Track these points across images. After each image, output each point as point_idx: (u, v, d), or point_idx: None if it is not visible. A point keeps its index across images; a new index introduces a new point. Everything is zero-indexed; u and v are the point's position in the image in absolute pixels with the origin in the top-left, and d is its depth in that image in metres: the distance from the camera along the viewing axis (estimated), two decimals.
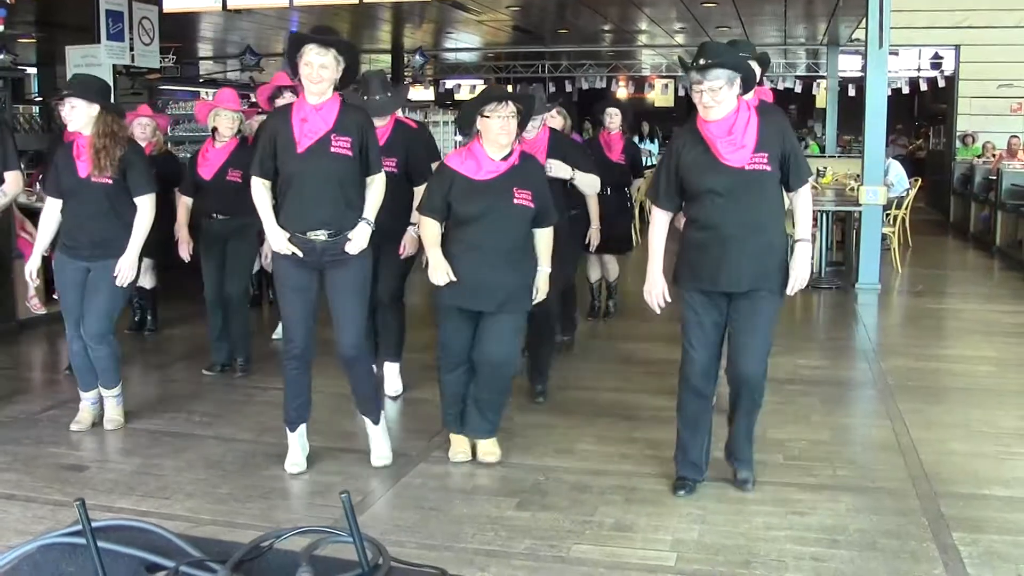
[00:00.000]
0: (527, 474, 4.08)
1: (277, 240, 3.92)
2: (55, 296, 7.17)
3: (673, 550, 3.35)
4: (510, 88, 20.02)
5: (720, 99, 3.51)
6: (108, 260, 4.45)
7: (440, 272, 4.00)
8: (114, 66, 9.15)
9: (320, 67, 3.76)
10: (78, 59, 9.29)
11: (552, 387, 5.33)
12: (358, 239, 3.92)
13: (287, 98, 6.35)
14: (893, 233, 10.24)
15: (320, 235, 3.88)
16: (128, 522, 1.19)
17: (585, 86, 21.27)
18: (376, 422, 4.20)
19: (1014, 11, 13.92)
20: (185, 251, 5.75)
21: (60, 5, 10.86)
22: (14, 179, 4.62)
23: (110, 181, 4.42)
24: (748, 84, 3.60)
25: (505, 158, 4.01)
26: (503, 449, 4.32)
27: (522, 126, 4.08)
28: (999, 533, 3.48)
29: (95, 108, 4.43)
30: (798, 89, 21.08)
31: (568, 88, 20.80)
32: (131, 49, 9.48)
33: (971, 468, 4.16)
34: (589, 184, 5.41)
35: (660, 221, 3.84)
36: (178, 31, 12.44)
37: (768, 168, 3.57)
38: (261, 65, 16.29)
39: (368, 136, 3.96)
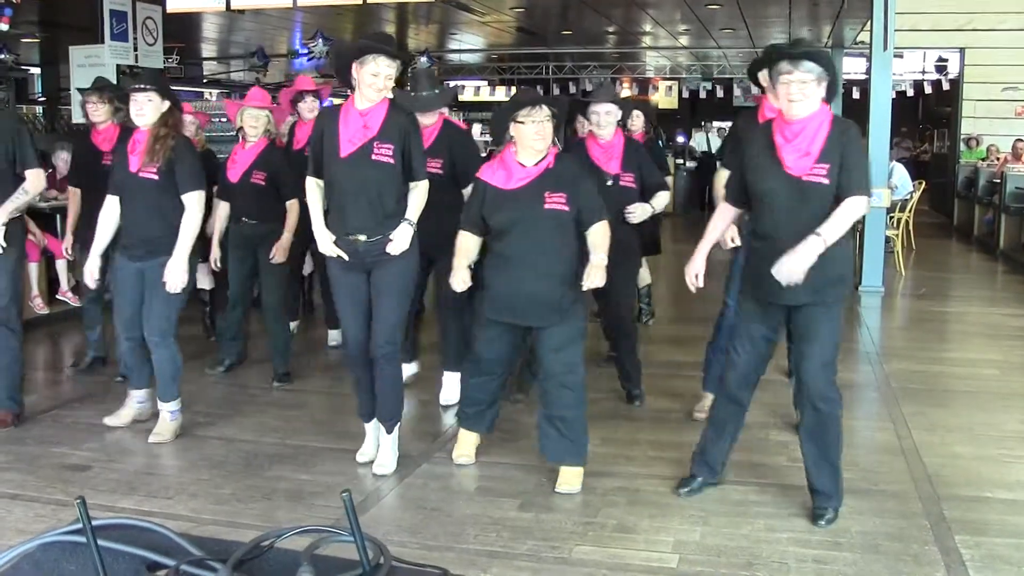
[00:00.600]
0: (530, 475, 4.07)
1: (323, 242, 3.98)
2: (58, 296, 7.23)
3: (675, 552, 3.35)
4: (511, 91, 20.04)
5: (808, 93, 3.36)
6: (157, 259, 4.40)
7: (456, 279, 3.96)
8: (118, 66, 9.14)
9: (386, 77, 3.84)
10: (82, 59, 9.28)
11: None
12: (399, 240, 3.92)
13: (309, 102, 6.34)
14: (896, 236, 10.22)
15: (360, 237, 3.91)
16: (129, 521, 1.19)
17: (589, 87, 21.25)
18: (389, 432, 4.16)
19: (1019, 14, 13.88)
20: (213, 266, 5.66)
21: (64, 5, 10.85)
22: (35, 177, 4.60)
23: (156, 176, 4.36)
24: (831, 92, 3.45)
25: (538, 163, 3.88)
26: (507, 450, 4.32)
27: (556, 130, 3.94)
28: (1001, 536, 3.47)
29: (166, 103, 4.43)
30: None
31: (572, 89, 20.78)
32: (135, 49, 9.46)
33: (974, 471, 4.16)
34: (665, 202, 5.05)
35: (721, 212, 3.83)
36: (181, 31, 12.45)
37: (826, 181, 3.38)
38: (267, 67, 16.30)
39: (411, 141, 3.93)
